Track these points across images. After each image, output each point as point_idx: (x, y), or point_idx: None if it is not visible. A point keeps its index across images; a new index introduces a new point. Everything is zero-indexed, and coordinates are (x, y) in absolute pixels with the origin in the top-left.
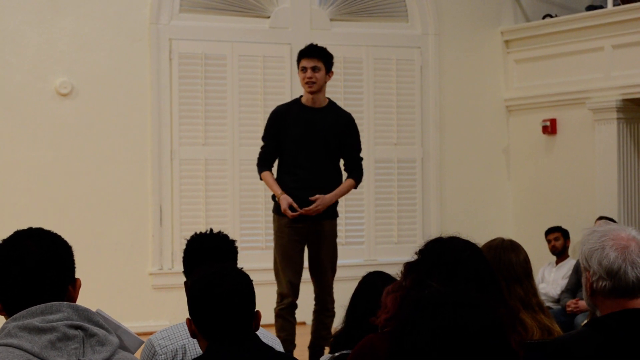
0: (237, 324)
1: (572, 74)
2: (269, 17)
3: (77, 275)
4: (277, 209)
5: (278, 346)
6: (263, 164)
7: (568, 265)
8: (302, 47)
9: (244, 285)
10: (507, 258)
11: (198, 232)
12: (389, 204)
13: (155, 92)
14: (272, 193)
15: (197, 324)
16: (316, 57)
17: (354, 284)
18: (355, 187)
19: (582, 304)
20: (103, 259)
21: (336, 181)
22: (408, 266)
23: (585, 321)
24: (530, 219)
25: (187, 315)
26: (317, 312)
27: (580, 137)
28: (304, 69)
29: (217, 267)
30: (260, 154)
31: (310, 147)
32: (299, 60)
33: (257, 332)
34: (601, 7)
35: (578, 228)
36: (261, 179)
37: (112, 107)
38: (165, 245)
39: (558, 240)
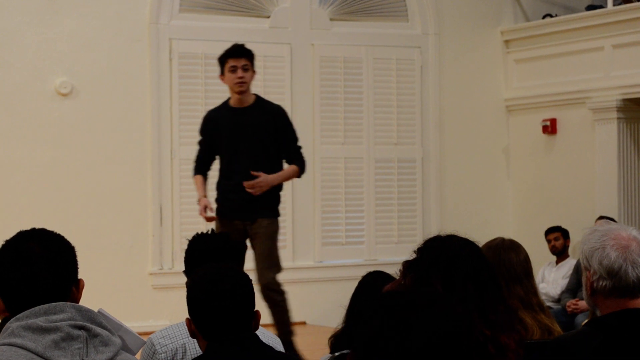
0: (237, 324)
1: (572, 74)
2: (269, 17)
3: (78, 276)
4: (216, 210)
5: (278, 346)
6: (196, 168)
7: (568, 265)
8: (303, 46)
9: (243, 285)
10: (507, 257)
11: (200, 232)
12: (389, 204)
13: (155, 92)
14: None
15: (196, 324)
16: (244, 56)
17: (354, 284)
18: (299, 176)
19: (583, 303)
20: (103, 258)
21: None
22: (407, 265)
23: (586, 321)
24: (530, 218)
25: (187, 315)
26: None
27: (580, 136)
28: (233, 69)
29: (216, 267)
30: (196, 158)
31: (243, 149)
32: (225, 61)
33: (256, 332)
34: (601, 6)
35: (578, 228)
36: (195, 183)
37: (112, 107)
38: (165, 245)
39: (558, 240)
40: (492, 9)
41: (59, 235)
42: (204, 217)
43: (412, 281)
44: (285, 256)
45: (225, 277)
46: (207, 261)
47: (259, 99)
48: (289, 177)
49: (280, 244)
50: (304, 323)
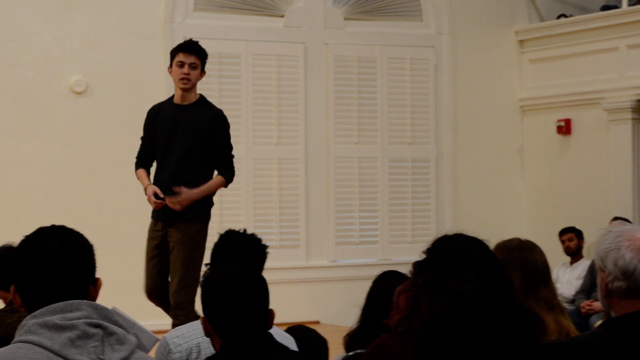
0: (251, 323)
1: (586, 74)
2: (283, 16)
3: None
4: (152, 210)
5: (292, 345)
6: (138, 162)
7: (582, 265)
8: (317, 46)
9: (258, 284)
10: (532, 259)
11: (232, 229)
12: (403, 204)
13: (169, 90)
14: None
15: (211, 323)
16: (195, 54)
17: (368, 284)
18: (225, 186)
19: (597, 304)
20: (117, 256)
21: (200, 181)
22: (418, 265)
23: (600, 322)
24: (544, 219)
25: (201, 313)
26: (171, 316)
27: (595, 137)
28: (180, 64)
29: (231, 267)
30: (138, 152)
31: (175, 146)
32: (175, 54)
33: (270, 331)
34: (616, 7)
35: (592, 228)
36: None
37: (126, 105)
38: None
39: (572, 241)
40: (506, 9)
41: (78, 233)
42: (152, 202)
43: (425, 281)
44: (299, 255)
45: (239, 277)
46: (234, 259)
47: (202, 99)
48: (213, 190)
49: (294, 242)
50: (317, 322)
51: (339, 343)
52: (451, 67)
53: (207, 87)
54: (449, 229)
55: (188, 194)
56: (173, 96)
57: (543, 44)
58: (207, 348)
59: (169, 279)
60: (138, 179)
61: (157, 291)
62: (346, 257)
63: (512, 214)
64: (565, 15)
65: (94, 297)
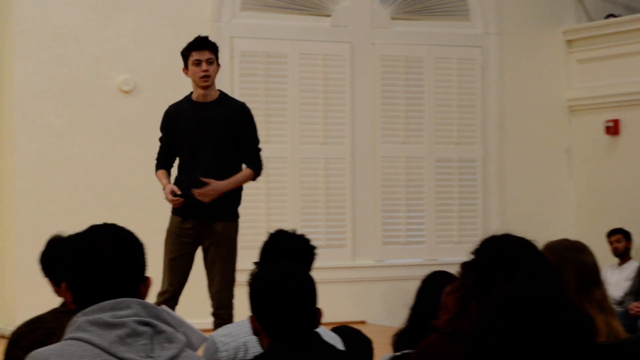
0: (299, 322)
1: (635, 74)
2: (329, 16)
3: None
4: (172, 208)
5: (339, 344)
6: (158, 163)
7: (631, 267)
8: (363, 45)
9: (306, 283)
10: (585, 259)
11: (282, 229)
12: (449, 204)
13: None
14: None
15: (260, 322)
16: (208, 49)
17: (414, 284)
18: (254, 179)
19: None
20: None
21: (231, 176)
22: (466, 266)
23: None
24: (592, 220)
25: (247, 313)
26: (213, 316)
27: None
28: (197, 62)
29: (279, 266)
30: (157, 154)
31: (204, 145)
32: (188, 54)
33: (317, 330)
34: None
35: None
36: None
37: None
38: None
39: (620, 242)
40: (554, 9)
41: (129, 231)
42: (170, 200)
43: (473, 282)
44: (345, 255)
45: (288, 276)
46: (283, 258)
47: (223, 94)
48: (242, 182)
49: (340, 242)
50: (363, 322)
51: (385, 343)
52: (498, 67)
53: (253, 87)
54: (496, 229)
55: (216, 185)
56: (190, 96)
57: (591, 44)
58: (254, 347)
59: (208, 278)
60: (158, 179)
61: (179, 289)
62: (392, 257)
63: (560, 214)
64: (613, 15)
65: (144, 296)
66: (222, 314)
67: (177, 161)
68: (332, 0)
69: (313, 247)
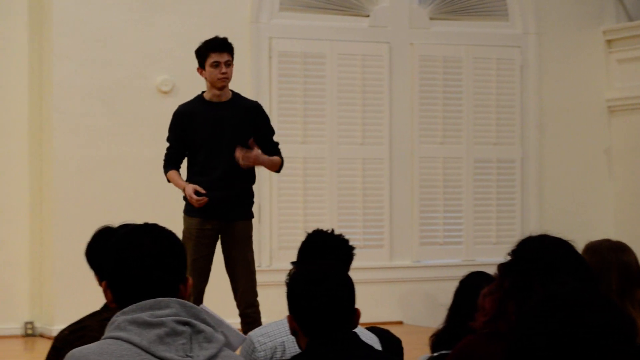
0: (338, 322)
1: None
2: (368, 16)
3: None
4: (186, 209)
5: (376, 344)
6: (168, 165)
7: None
8: (402, 46)
9: (345, 283)
10: (627, 260)
11: (320, 229)
12: (487, 204)
13: (254, 90)
14: (183, 194)
15: (298, 322)
16: (227, 51)
17: (452, 284)
18: (279, 170)
19: None
20: None
21: (252, 177)
22: (503, 267)
23: None
24: (632, 220)
25: (285, 313)
26: (241, 316)
27: None
28: (216, 64)
29: (318, 265)
30: (166, 155)
31: (222, 145)
32: (207, 55)
33: (355, 331)
34: None
35: None
36: (168, 180)
37: None
38: (264, 243)
39: None
40: (594, 9)
41: (170, 231)
42: (195, 201)
43: (511, 283)
44: (382, 255)
45: (327, 276)
46: (321, 258)
47: (235, 94)
48: (275, 166)
49: (378, 242)
50: (400, 323)
51: (422, 344)
52: (537, 67)
53: (291, 87)
54: (534, 230)
55: (258, 154)
56: (201, 96)
57: (631, 43)
58: (292, 347)
59: (232, 277)
60: (170, 180)
61: (202, 290)
62: (430, 258)
63: (599, 215)
64: None
65: (183, 296)
66: (251, 312)
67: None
68: (371, 0)
69: (351, 247)
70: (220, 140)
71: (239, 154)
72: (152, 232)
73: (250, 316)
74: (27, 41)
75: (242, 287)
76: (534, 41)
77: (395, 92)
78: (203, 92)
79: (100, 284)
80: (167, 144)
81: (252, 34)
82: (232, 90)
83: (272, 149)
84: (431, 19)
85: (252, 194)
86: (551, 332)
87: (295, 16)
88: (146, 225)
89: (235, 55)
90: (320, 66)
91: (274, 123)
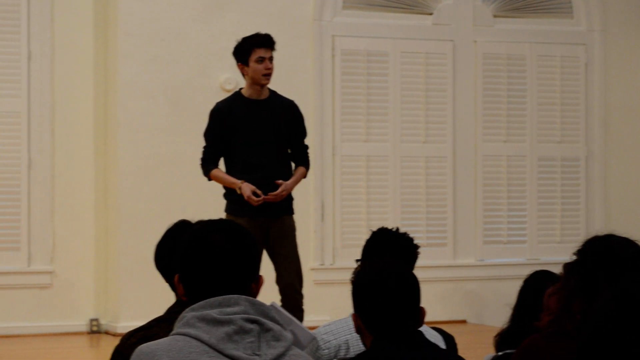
0: (403, 321)
1: None
2: (431, 14)
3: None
4: (230, 208)
5: (441, 343)
6: (208, 164)
7: None
8: (465, 43)
9: (411, 282)
10: None
11: (385, 227)
12: (551, 203)
13: (317, 88)
14: (225, 192)
15: (363, 320)
16: (271, 48)
17: (515, 283)
18: (305, 177)
19: None
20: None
21: (290, 174)
22: (569, 267)
23: None
24: None
25: (348, 311)
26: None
27: None
28: (261, 60)
29: (383, 264)
30: (205, 153)
31: (264, 144)
32: (251, 50)
33: (420, 329)
34: None
35: None
36: (210, 178)
37: None
38: (327, 241)
39: None
40: None
41: (245, 229)
42: (255, 202)
43: (576, 283)
44: (445, 254)
45: (391, 274)
46: (385, 255)
47: (273, 92)
48: (300, 180)
49: (441, 241)
50: (464, 322)
51: (486, 343)
52: (602, 65)
53: (354, 85)
54: (599, 229)
55: (287, 185)
56: (239, 93)
57: None
58: (356, 345)
59: (278, 270)
60: (216, 178)
61: None
62: (493, 256)
63: None
64: None
65: (255, 294)
66: (301, 302)
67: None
68: None
69: (416, 246)
70: (260, 138)
71: (272, 196)
72: (226, 229)
73: (288, 296)
74: (92, 41)
75: (289, 279)
76: (598, 38)
77: (459, 90)
78: (241, 89)
79: (167, 281)
80: (204, 143)
81: (315, 32)
82: (269, 88)
83: (301, 152)
84: (495, 16)
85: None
86: (620, 330)
87: (358, 14)
88: (221, 221)
89: (298, 54)
90: (383, 64)
91: (337, 121)
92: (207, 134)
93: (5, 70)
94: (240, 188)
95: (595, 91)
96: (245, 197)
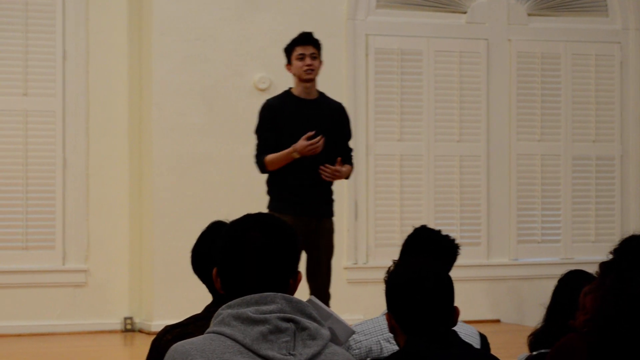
0: (437, 320)
1: None
2: (465, 13)
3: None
4: (274, 205)
5: (476, 342)
6: (263, 155)
7: None
8: (499, 42)
9: (445, 282)
10: None
11: (425, 225)
12: (586, 202)
13: (351, 87)
14: (268, 188)
15: (397, 319)
16: (312, 44)
17: (550, 283)
18: (348, 177)
19: None
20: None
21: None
22: (605, 266)
23: None
24: None
25: (381, 310)
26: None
27: None
28: (301, 57)
29: (417, 262)
30: (258, 147)
31: None
32: (292, 49)
33: (455, 328)
34: None
35: None
36: (266, 167)
37: None
38: (360, 240)
39: None
40: None
41: (286, 223)
42: (312, 147)
43: (613, 282)
44: (479, 253)
45: (426, 273)
46: (425, 254)
47: (322, 93)
48: (347, 176)
49: (475, 240)
50: (497, 321)
51: (520, 342)
52: (637, 63)
53: (388, 84)
54: (635, 229)
55: (341, 170)
56: (289, 92)
57: None
58: (389, 345)
59: (310, 269)
60: (271, 162)
61: None
62: (528, 256)
63: None
64: None
65: (293, 290)
66: (326, 300)
67: None
68: None
69: (457, 247)
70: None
71: (332, 169)
72: (266, 223)
73: (317, 296)
74: (126, 40)
75: (321, 278)
76: (634, 37)
77: (493, 89)
78: (290, 88)
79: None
80: (256, 140)
81: (348, 31)
82: (317, 90)
83: (347, 153)
84: (529, 15)
85: (333, 192)
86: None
87: (392, 13)
88: (261, 215)
89: (331, 53)
90: (417, 63)
91: (370, 120)
92: (259, 130)
93: (41, 69)
94: (295, 150)
95: (630, 90)
96: (302, 147)
